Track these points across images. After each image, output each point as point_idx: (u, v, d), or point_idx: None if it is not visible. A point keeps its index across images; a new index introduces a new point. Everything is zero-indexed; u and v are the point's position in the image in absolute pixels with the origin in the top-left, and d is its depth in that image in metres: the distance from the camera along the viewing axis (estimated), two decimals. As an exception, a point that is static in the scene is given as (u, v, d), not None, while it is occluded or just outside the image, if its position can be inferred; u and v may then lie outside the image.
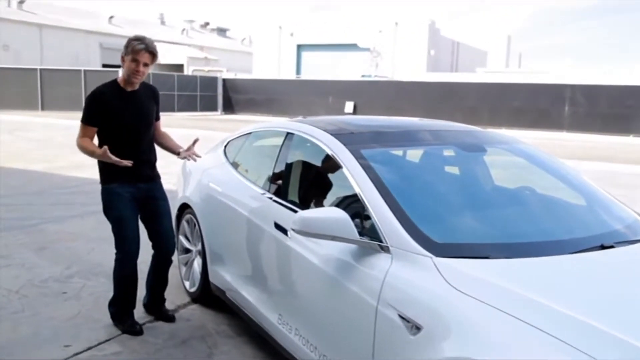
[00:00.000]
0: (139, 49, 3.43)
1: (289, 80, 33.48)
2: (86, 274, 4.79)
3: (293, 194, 3.31)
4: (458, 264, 2.20)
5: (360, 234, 2.46)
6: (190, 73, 36.81)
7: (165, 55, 41.24)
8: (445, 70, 37.50)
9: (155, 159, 3.77)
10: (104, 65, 38.22)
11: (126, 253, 3.62)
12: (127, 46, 3.47)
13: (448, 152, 3.39)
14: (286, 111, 29.77)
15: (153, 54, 3.49)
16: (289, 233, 2.94)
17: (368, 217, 2.55)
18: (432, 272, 2.17)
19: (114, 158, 3.37)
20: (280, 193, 3.31)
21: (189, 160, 3.81)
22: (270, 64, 40.31)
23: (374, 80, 31.26)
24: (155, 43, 3.66)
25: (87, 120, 3.51)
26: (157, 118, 3.79)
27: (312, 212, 2.51)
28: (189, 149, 3.75)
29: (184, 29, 53.83)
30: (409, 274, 2.24)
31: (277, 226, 3.09)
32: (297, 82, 32.86)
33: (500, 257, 2.30)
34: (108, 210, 3.64)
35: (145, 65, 3.48)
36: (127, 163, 3.41)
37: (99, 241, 5.69)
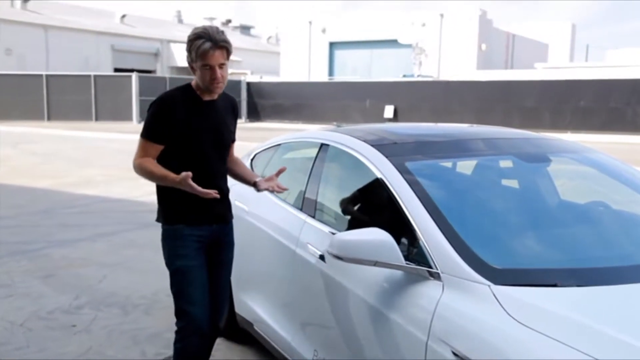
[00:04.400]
0: (206, 50, 2.89)
1: (321, 83, 33.65)
2: (97, 304, 4.86)
3: (329, 213, 3.31)
4: (520, 293, 2.16)
5: (407, 258, 2.44)
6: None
7: (184, 57, 41.80)
8: (499, 67, 37.16)
9: (228, 192, 3.30)
10: (116, 70, 39.06)
11: (191, 321, 3.06)
12: (189, 49, 2.96)
13: (505, 164, 3.36)
14: (318, 117, 29.88)
15: (226, 49, 2.95)
16: (325, 257, 2.94)
17: (415, 240, 2.53)
18: (490, 303, 2.14)
19: (197, 188, 2.85)
20: (315, 212, 3.32)
21: (271, 192, 3.30)
22: (299, 65, 40.59)
23: (417, 81, 31.17)
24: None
25: (152, 135, 3.00)
26: (234, 139, 3.32)
27: (351, 234, 2.51)
28: (271, 178, 3.23)
29: (203, 28, 54.66)
30: (463, 304, 2.21)
31: (311, 250, 3.09)
32: (329, 85, 33.00)
33: (569, 285, 2.25)
34: (172, 260, 3.11)
35: (222, 66, 2.96)
36: (214, 194, 2.90)
37: (111, 267, 5.78)
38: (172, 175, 2.89)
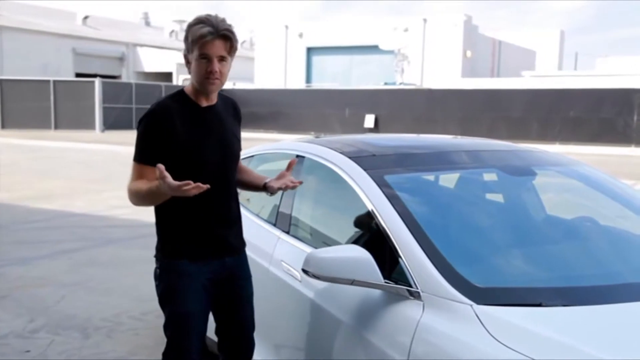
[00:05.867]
0: (204, 35, 2.56)
1: (298, 90, 33.74)
2: (54, 327, 4.80)
3: (304, 228, 3.33)
4: (504, 313, 2.19)
5: (386, 277, 2.46)
6: (180, 83, 37.23)
7: (151, 62, 41.88)
8: (485, 75, 37.59)
9: (240, 216, 2.98)
10: (78, 75, 38.78)
11: None
12: (186, 37, 2.63)
13: (489, 177, 3.40)
14: (295, 127, 29.93)
15: (230, 40, 2.62)
16: (299, 276, 2.95)
17: (394, 257, 2.55)
18: (472, 323, 2.16)
19: (176, 183, 2.37)
20: (289, 227, 3.33)
21: (285, 190, 2.96)
22: (275, 71, 40.67)
23: (399, 89, 31.39)
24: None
25: (148, 157, 2.62)
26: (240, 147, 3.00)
27: (327, 251, 2.52)
28: (282, 175, 2.94)
29: (172, 31, 54.53)
30: (444, 325, 2.23)
31: (286, 267, 3.10)
32: (307, 92, 33.09)
33: (555, 304, 2.28)
34: (167, 301, 2.79)
35: (222, 59, 2.62)
36: (204, 186, 2.41)
37: (71, 287, 5.71)
38: (155, 184, 2.46)
